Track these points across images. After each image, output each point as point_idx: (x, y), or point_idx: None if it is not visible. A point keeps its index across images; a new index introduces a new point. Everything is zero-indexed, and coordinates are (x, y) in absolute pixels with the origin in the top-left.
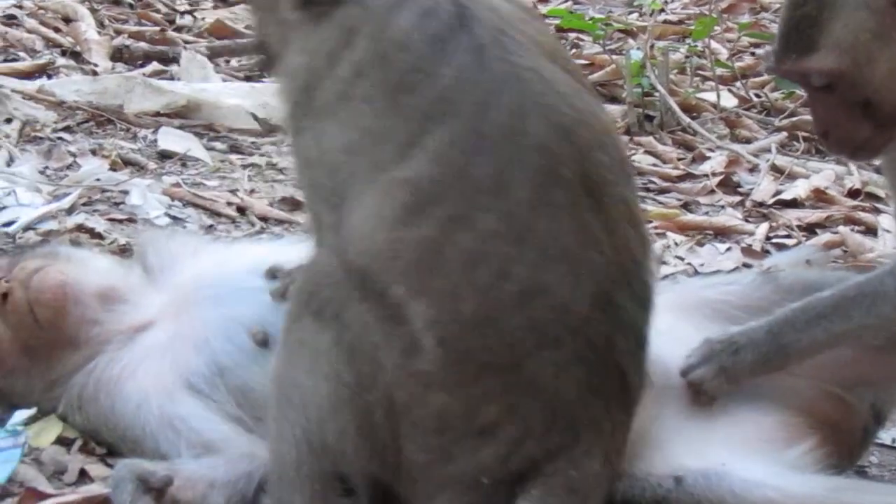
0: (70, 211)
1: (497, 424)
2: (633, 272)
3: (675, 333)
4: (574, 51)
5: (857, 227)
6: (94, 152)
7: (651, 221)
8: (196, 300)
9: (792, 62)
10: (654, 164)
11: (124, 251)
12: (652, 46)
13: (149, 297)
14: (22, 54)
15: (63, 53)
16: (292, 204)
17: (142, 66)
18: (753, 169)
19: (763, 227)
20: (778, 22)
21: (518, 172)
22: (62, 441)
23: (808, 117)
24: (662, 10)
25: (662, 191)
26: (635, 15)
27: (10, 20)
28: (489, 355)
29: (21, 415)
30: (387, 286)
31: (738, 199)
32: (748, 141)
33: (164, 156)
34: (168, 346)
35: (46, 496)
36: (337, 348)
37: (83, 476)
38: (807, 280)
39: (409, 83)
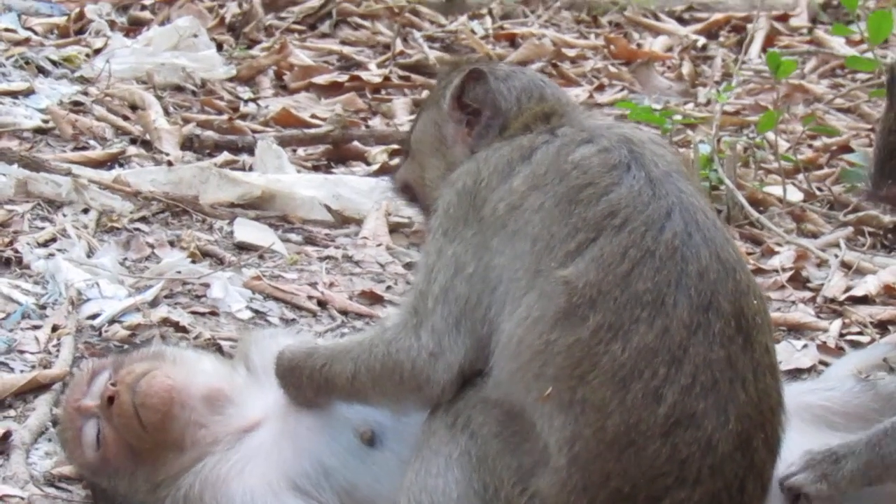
0: (153, 304)
1: None
2: (769, 419)
3: None
4: None
5: None
6: (171, 244)
7: None
8: None
9: (888, 188)
10: None
11: (209, 345)
12: (719, 140)
13: (254, 398)
14: (92, 142)
15: (133, 142)
16: (372, 298)
17: (211, 155)
18: (821, 264)
19: (836, 324)
20: (873, 148)
21: (678, 292)
22: None
23: (874, 212)
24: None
25: None
26: (690, 104)
27: (77, 107)
28: (626, 484)
29: None
30: (525, 395)
31: (808, 294)
32: (814, 235)
33: (242, 247)
34: (274, 446)
35: None
36: (467, 456)
37: None
38: None
39: (584, 197)
